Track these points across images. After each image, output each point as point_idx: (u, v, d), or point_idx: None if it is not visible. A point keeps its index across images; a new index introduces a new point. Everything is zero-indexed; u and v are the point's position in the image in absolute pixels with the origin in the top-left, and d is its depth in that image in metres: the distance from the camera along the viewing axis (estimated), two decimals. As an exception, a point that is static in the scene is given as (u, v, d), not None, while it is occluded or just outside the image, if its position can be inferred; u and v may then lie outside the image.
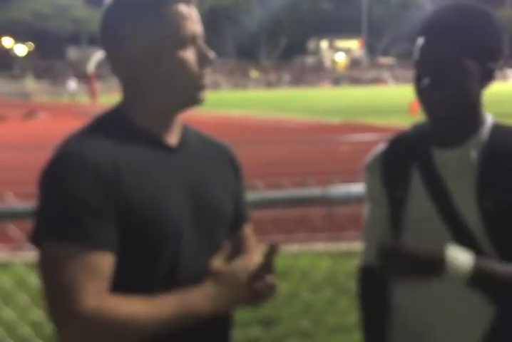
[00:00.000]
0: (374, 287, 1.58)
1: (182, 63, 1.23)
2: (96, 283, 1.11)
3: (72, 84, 40.94)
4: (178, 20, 1.22)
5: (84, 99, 37.22)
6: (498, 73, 1.42)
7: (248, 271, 1.24)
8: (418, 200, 1.44)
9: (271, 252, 1.25)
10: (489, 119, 1.46)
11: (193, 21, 1.24)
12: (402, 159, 1.49)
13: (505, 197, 1.38)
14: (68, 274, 1.10)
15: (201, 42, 1.26)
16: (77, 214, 1.12)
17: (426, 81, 1.36)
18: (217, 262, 1.25)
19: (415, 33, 1.43)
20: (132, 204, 1.17)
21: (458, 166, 1.42)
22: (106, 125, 1.26)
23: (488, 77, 1.39)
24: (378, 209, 1.55)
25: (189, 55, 1.23)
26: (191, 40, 1.24)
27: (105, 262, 1.13)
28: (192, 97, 1.27)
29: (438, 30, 1.36)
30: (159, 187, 1.22)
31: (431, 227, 1.43)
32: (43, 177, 1.17)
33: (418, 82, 1.39)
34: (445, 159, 1.43)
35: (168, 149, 1.28)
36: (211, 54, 1.26)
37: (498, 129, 1.44)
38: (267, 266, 1.25)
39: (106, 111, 1.30)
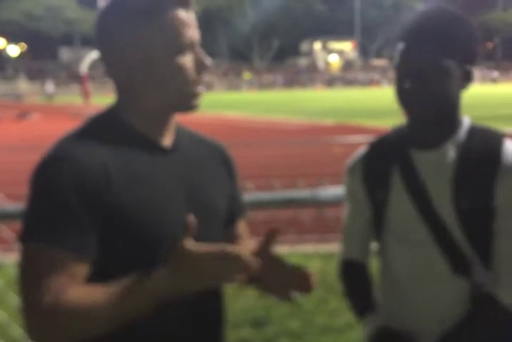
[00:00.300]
0: (356, 276, 1.61)
1: (180, 69, 1.22)
2: (58, 279, 1.11)
3: (50, 86, 42.37)
4: (177, 26, 1.21)
5: (62, 100, 37.50)
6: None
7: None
8: (399, 201, 1.48)
9: (270, 237, 1.22)
10: (466, 121, 1.50)
11: (191, 26, 1.23)
12: (382, 161, 1.53)
13: (479, 197, 1.41)
14: (34, 272, 1.11)
15: (198, 48, 1.26)
16: (54, 217, 1.13)
17: (407, 83, 1.40)
18: (180, 247, 1.11)
19: (397, 39, 1.46)
20: (124, 208, 1.17)
21: (436, 167, 1.45)
22: (100, 126, 1.26)
23: (466, 79, 1.43)
24: (358, 209, 1.59)
25: (187, 61, 1.23)
26: (189, 47, 1.23)
27: (76, 265, 1.13)
28: (186, 103, 1.27)
29: (418, 33, 1.40)
30: (153, 189, 1.23)
31: (411, 227, 1.47)
32: (31, 178, 1.18)
33: (399, 84, 1.43)
34: (424, 160, 1.47)
35: (162, 150, 1.28)
36: (208, 60, 1.26)
37: (474, 131, 1.48)
38: (264, 251, 1.22)
39: (100, 113, 1.30)
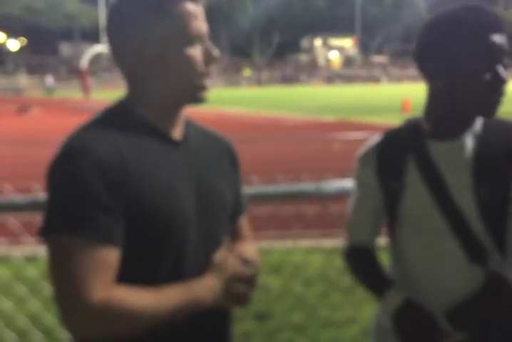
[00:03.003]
0: (366, 258, 1.61)
1: (189, 61, 1.25)
2: (103, 275, 1.14)
3: (50, 80, 43.00)
4: (186, 18, 1.24)
5: (62, 95, 37.60)
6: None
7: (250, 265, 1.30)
8: (414, 191, 1.49)
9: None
10: None
11: (200, 19, 1.26)
12: (397, 151, 1.54)
13: (499, 187, 1.43)
14: (77, 267, 1.12)
15: (207, 40, 1.28)
16: (86, 209, 1.14)
17: (500, 70, 1.38)
18: (220, 255, 1.29)
19: (444, 38, 1.42)
20: (141, 199, 1.19)
21: (454, 157, 1.47)
22: (112, 119, 1.27)
23: None
24: (368, 198, 1.59)
25: (196, 52, 1.26)
26: (198, 38, 1.26)
27: (111, 255, 1.15)
28: (195, 96, 1.29)
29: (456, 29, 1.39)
30: (166, 181, 1.25)
31: (427, 216, 1.48)
32: (51, 172, 1.18)
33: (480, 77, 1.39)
34: (440, 150, 1.48)
35: (173, 143, 1.30)
36: (216, 52, 1.29)
37: (490, 122, 1.50)
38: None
39: (111, 106, 1.32)
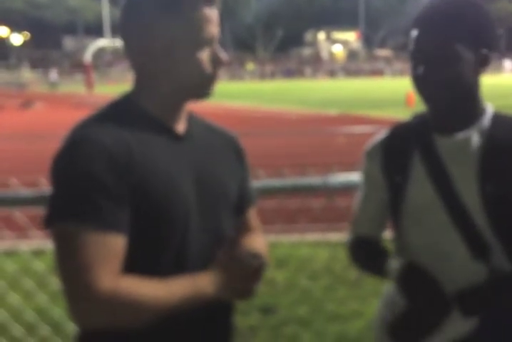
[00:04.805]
0: (371, 247, 1.61)
1: (198, 64, 1.26)
2: (110, 263, 1.14)
3: (53, 74, 43.23)
4: (200, 22, 1.25)
5: (66, 89, 37.67)
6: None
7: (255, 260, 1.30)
8: (419, 185, 1.49)
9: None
10: (490, 109, 1.51)
11: (213, 23, 1.28)
12: (403, 146, 1.54)
13: (505, 182, 1.43)
14: (83, 255, 1.12)
15: (216, 43, 1.30)
16: (93, 197, 1.14)
17: (420, 69, 1.41)
18: (225, 250, 1.29)
19: (410, 26, 1.47)
20: (144, 188, 1.20)
21: (460, 152, 1.46)
22: (117, 111, 1.29)
23: (482, 63, 1.43)
24: (374, 193, 1.59)
25: (204, 56, 1.27)
26: (209, 42, 1.27)
27: (118, 243, 1.16)
28: (202, 92, 1.32)
29: (429, 18, 1.41)
30: (168, 172, 1.26)
31: (431, 211, 1.48)
32: (57, 162, 1.20)
33: (413, 71, 1.44)
34: (446, 145, 1.48)
35: (177, 136, 1.32)
36: (224, 56, 1.30)
37: (498, 118, 1.49)
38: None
39: (117, 99, 1.33)
